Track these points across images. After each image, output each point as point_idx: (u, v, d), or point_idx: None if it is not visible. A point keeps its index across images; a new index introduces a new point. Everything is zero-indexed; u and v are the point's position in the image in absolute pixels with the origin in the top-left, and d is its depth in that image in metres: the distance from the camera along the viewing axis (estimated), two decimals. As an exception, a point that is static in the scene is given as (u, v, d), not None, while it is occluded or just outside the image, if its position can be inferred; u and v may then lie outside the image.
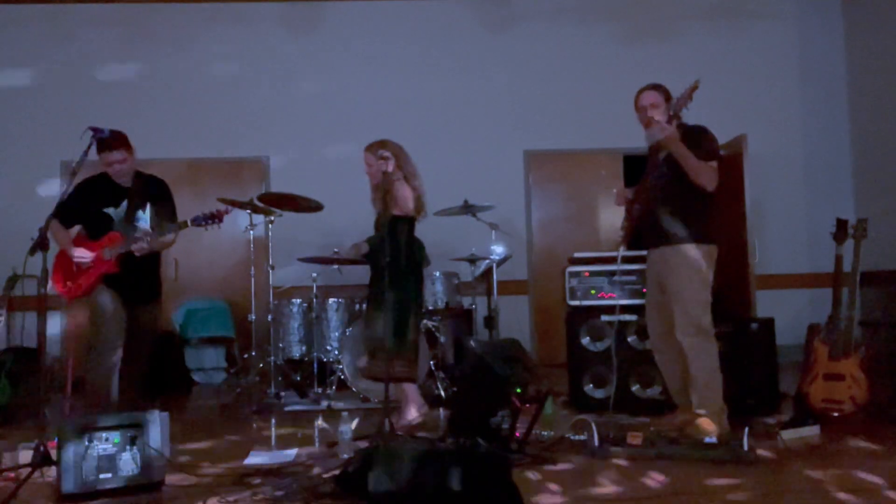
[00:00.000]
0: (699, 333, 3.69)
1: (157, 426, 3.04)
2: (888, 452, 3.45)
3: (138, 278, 4.18)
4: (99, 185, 4.20)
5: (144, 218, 4.21)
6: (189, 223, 4.14)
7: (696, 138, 3.70)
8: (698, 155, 3.64)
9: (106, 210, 4.17)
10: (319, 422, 4.53)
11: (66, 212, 4.06)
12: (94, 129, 3.63)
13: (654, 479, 3.03)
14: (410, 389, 4.20)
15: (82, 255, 4.07)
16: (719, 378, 3.71)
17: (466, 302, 5.66)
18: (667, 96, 3.81)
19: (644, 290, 4.23)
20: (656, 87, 3.85)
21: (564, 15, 7.21)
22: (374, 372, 4.10)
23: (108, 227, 4.15)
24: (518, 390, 3.41)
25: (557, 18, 7.20)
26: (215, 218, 4.17)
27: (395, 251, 4.00)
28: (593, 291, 4.59)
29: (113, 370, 4.04)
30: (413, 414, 4.15)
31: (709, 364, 3.69)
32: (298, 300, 5.52)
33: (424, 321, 4.99)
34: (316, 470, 3.19)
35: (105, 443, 2.94)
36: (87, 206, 4.16)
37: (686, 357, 3.71)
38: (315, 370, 5.25)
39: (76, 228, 4.22)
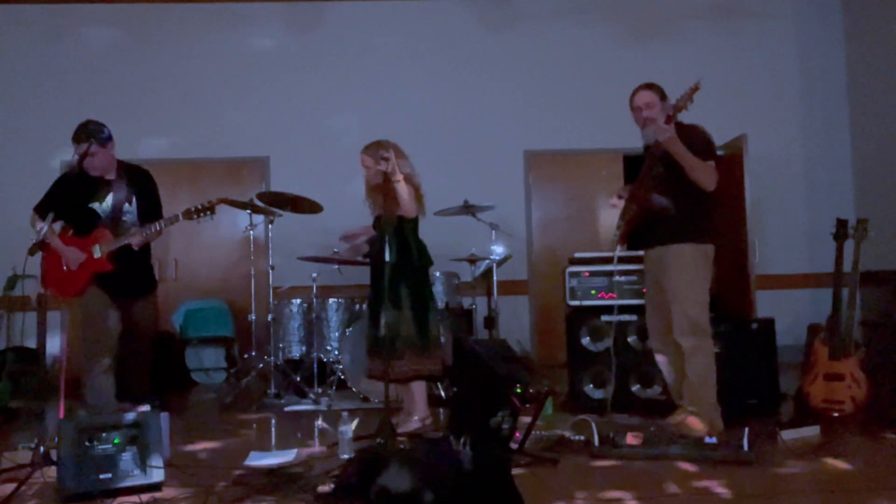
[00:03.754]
0: (696, 333, 3.69)
1: (157, 426, 3.05)
2: (888, 453, 3.45)
3: (130, 273, 4.14)
4: (77, 180, 4.09)
5: (131, 211, 4.16)
6: (181, 216, 4.12)
7: (692, 137, 3.69)
8: (696, 154, 3.63)
9: (91, 206, 4.12)
10: (319, 422, 4.53)
11: (44, 208, 4.04)
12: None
13: (655, 480, 3.03)
14: (419, 394, 4.10)
15: (74, 254, 4.03)
16: (714, 377, 3.72)
17: (466, 302, 5.66)
18: (661, 95, 3.80)
19: (644, 290, 4.24)
20: (651, 87, 3.84)
21: (565, 15, 7.20)
22: (398, 373, 3.97)
23: (94, 222, 4.10)
24: (518, 390, 3.41)
25: (558, 18, 7.19)
26: (207, 210, 4.15)
27: (404, 251, 4.00)
28: (593, 291, 4.59)
29: (109, 370, 4.03)
30: (415, 423, 4.08)
31: (704, 363, 3.69)
32: (298, 300, 5.52)
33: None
34: (316, 470, 3.19)
35: (105, 443, 2.93)
36: (66, 201, 4.06)
37: (683, 356, 3.72)
38: (315, 370, 5.24)
39: (58, 225, 4.11)
